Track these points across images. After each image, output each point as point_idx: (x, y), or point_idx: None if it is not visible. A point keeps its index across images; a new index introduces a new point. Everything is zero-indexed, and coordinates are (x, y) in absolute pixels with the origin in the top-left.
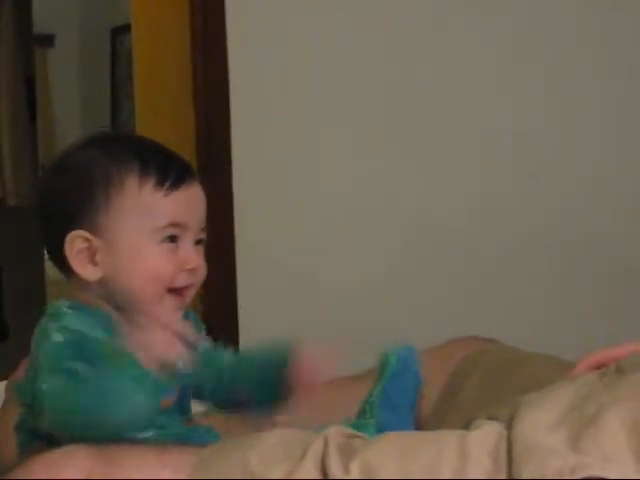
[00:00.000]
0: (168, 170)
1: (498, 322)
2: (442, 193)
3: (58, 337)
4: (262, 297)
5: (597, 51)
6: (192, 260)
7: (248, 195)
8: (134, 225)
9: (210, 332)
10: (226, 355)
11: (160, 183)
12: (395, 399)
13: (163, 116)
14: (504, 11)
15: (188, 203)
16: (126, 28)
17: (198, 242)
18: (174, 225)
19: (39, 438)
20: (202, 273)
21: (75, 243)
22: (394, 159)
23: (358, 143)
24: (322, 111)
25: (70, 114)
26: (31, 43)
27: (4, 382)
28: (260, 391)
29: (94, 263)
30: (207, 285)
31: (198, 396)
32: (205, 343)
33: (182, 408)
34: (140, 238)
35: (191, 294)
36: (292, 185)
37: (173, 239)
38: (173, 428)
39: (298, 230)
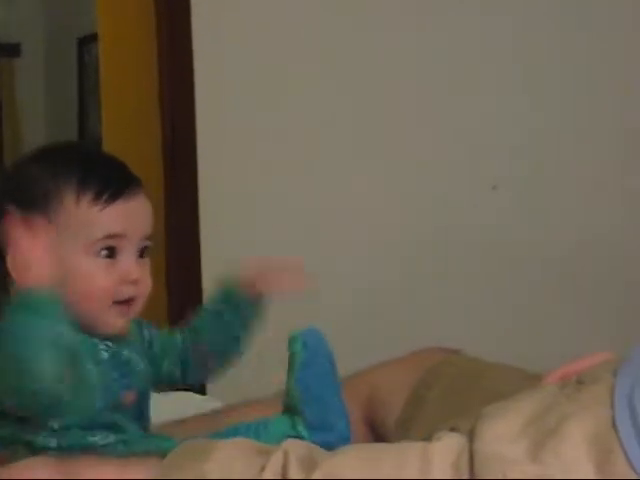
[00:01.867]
0: (107, 183)
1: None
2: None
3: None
4: None
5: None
6: (133, 272)
7: (214, 202)
8: (71, 241)
9: None
10: (180, 332)
11: (97, 197)
12: (315, 389)
13: (130, 125)
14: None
15: (128, 214)
16: (93, 37)
17: (142, 253)
18: (110, 237)
19: (5, 445)
20: (146, 285)
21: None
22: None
23: (326, 146)
24: (290, 117)
25: (37, 123)
26: None
27: None
28: (225, 335)
29: None
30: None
31: (172, 381)
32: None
33: (140, 412)
34: (77, 253)
35: (137, 307)
36: (259, 193)
37: (111, 252)
38: (132, 432)
39: (265, 239)
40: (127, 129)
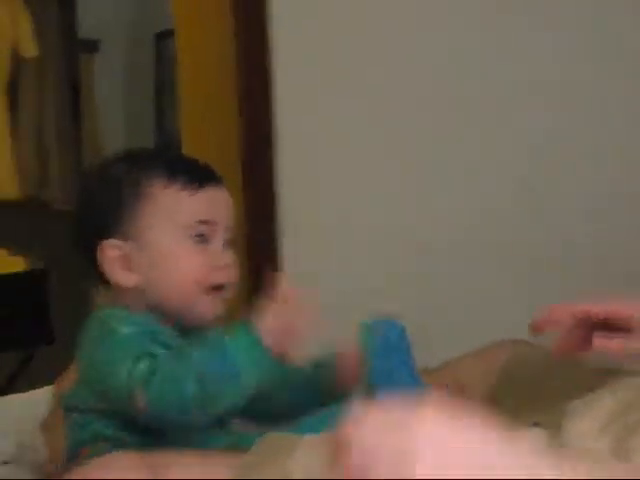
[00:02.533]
0: (193, 173)
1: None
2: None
3: (125, 329)
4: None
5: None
6: (224, 257)
7: (293, 202)
8: (163, 226)
9: None
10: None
11: (186, 184)
12: (385, 377)
13: (207, 121)
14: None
15: (214, 202)
16: (170, 33)
17: (227, 244)
18: (202, 223)
19: (93, 440)
20: (234, 272)
21: (107, 252)
22: (444, 161)
23: (405, 143)
24: (367, 115)
25: (115, 118)
26: (76, 49)
27: (51, 387)
28: (288, 395)
29: (129, 269)
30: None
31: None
32: None
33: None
34: (170, 238)
35: (228, 294)
36: (338, 188)
37: (202, 238)
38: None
39: (344, 235)
40: (205, 124)
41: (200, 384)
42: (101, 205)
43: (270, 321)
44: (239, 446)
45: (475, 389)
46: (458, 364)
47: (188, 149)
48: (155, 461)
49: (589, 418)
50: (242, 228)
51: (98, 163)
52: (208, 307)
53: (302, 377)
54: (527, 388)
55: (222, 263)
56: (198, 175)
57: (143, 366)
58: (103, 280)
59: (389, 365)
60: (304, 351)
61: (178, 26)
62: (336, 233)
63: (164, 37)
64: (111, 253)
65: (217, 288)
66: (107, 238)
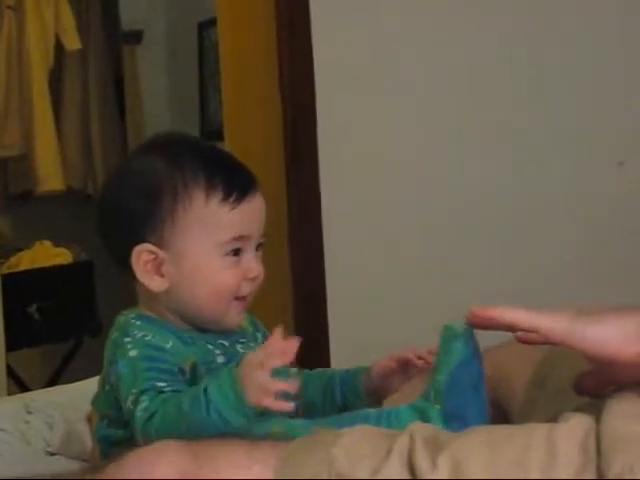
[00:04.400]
0: (233, 184)
1: None
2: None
3: (133, 352)
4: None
5: None
6: (255, 270)
7: (335, 186)
8: (200, 239)
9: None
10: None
11: (225, 197)
12: (463, 385)
13: (250, 109)
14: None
15: (251, 215)
16: (212, 22)
17: (258, 246)
18: (238, 239)
19: (119, 445)
20: (260, 280)
21: (142, 256)
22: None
23: (444, 131)
24: (408, 103)
25: (159, 109)
26: (119, 41)
27: (97, 377)
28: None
29: (160, 274)
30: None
31: None
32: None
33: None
34: (206, 251)
35: (251, 299)
36: (379, 176)
37: (237, 251)
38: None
39: (389, 225)
40: (248, 113)
41: (189, 430)
42: (137, 209)
43: (250, 374)
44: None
45: (516, 377)
46: (500, 351)
47: (231, 138)
48: (200, 449)
49: (633, 402)
50: (285, 215)
51: (130, 158)
52: (234, 316)
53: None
54: (573, 373)
55: (253, 275)
56: (237, 186)
57: (143, 406)
58: (133, 278)
59: (470, 376)
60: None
61: (220, 15)
62: (381, 222)
63: (206, 26)
64: (144, 257)
65: (242, 297)
66: (141, 242)
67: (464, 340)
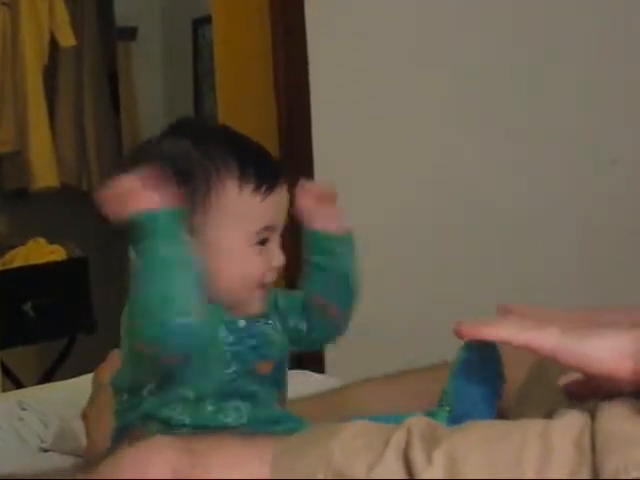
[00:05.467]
0: (264, 174)
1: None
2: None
3: None
4: None
5: None
6: (279, 259)
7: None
8: (231, 228)
9: None
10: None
11: (257, 188)
12: (472, 392)
13: (245, 107)
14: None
15: (279, 206)
16: (207, 19)
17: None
18: (267, 229)
19: (143, 421)
20: (282, 267)
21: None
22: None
23: (441, 128)
24: (404, 103)
25: (153, 106)
26: (114, 37)
27: (92, 374)
28: (334, 281)
29: None
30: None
31: (300, 338)
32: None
33: (277, 381)
34: (236, 241)
35: (270, 287)
36: (374, 177)
37: (264, 241)
38: (266, 406)
39: (381, 222)
40: (242, 111)
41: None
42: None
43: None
44: (284, 422)
45: (515, 369)
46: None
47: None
48: (195, 446)
49: (627, 399)
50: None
51: (159, 140)
52: (257, 303)
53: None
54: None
55: (277, 264)
56: (269, 177)
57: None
58: None
59: (478, 381)
60: None
61: (215, 12)
62: (376, 223)
63: (201, 23)
64: None
65: (265, 284)
66: None
67: (471, 349)
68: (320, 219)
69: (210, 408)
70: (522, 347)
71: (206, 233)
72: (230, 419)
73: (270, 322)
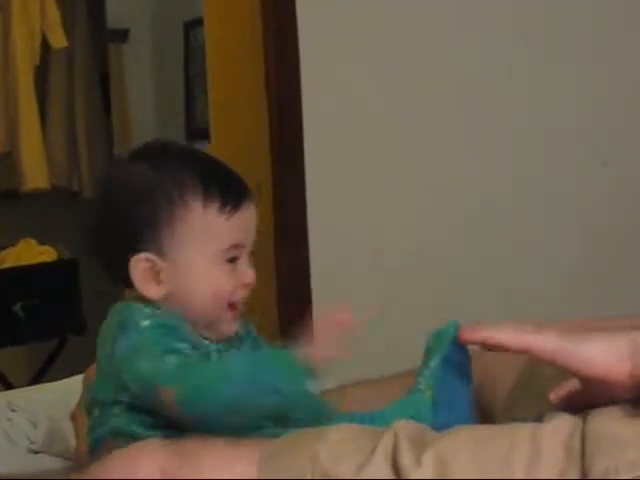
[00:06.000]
0: (229, 193)
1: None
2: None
3: (145, 322)
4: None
5: None
6: (250, 277)
7: (321, 187)
8: (199, 247)
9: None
10: None
11: (222, 206)
12: (455, 371)
13: (237, 109)
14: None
15: (247, 224)
16: (199, 21)
17: (249, 257)
18: (235, 247)
19: (114, 436)
20: (253, 285)
21: (140, 264)
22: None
23: (430, 127)
24: (391, 101)
25: (144, 108)
26: (105, 39)
27: (82, 375)
28: None
29: (158, 282)
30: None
31: None
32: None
33: None
34: (204, 260)
35: (242, 306)
36: (366, 175)
37: (233, 259)
38: None
39: (372, 218)
40: (234, 113)
41: (240, 387)
42: (132, 219)
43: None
44: None
45: (500, 381)
46: (487, 353)
47: (217, 138)
48: (183, 447)
49: (617, 403)
50: (271, 215)
51: (119, 164)
52: (229, 323)
53: None
54: (558, 373)
55: (247, 281)
56: (234, 195)
57: (172, 361)
58: (127, 284)
59: (459, 366)
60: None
61: (207, 14)
62: (367, 220)
63: (193, 26)
64: (143, 265)
65: (235, 304)
66: (138, 250)
67: (453, 331)
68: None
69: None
70: (522, 351)
71: (174, 254)
72: None
73: (244, 346)
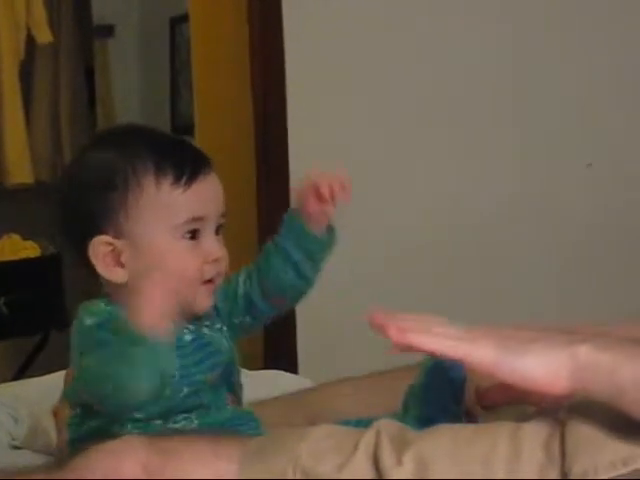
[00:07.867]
0: (183, 165)
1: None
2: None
3: (88, 320)
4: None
5: None
6: (215, 252)
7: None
8: (155, 225)
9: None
10: (243, 273)
11: (176, 180)
12: (438, 393)
13: (221, 105)
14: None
15: (205, 195)
16: (185, 17)
17: (218, 230)
18: (194, 220)
19: (89, 437)
20: (225, 262)
21: (99, 248)
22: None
23: (415, 132)
24: (378, 100)
25: (129, 103)
26: (91, 34)
27: (64, 371)
28: (294, 275)
29: (120, 265)
30: None
31: (248, 331)
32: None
33: (228, 384)
34: (162, 237)
35: (219, 283)
36: (349, 173)
37: (194, 234)
38: (218, 410)
39: (354, 216)
40: (219, 108)
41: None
42: (91, 202)
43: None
44: (236, 424)
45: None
46: None
47: (202, 133)
48: (165, 445)
49: (597, 403)
50: (255, 210)
51: (79, 151)
52: (202, 300)
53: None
54: None
55: (213, 257)
56: (189, 167)
57: (87, 362)
58: (94, 272)
59: (447, 382)
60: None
61: (192, 10)
62: (350, 218)
63: (179, 22)
64: (102, 249)
65: (208, 280)
66: (97, 234)
67: (428, 369)
68: (315, 215)
69: (159, 422)
70: (458, 361)
71: (133, 234)
72: (179, 425)
73: (217, 326)
